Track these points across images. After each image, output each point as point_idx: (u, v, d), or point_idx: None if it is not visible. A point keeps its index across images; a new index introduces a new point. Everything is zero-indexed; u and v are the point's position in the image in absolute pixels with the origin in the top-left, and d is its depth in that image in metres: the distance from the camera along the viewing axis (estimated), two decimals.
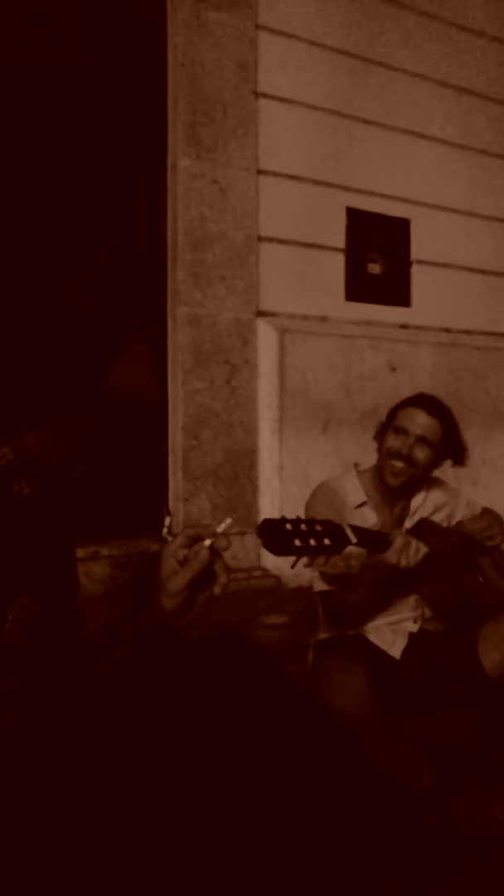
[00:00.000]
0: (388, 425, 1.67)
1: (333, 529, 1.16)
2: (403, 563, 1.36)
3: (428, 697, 1.50)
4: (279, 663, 0.80)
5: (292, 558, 1.13)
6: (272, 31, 2.65)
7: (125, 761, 0.70)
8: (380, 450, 1.68)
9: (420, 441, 1.60)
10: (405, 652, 1.56)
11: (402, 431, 1.61)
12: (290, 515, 1.13)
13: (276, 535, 1.06)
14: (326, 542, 1.12)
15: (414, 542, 1.37)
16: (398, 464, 1.60)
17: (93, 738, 0.72)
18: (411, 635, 1.59)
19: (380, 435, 1.70)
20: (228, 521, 0.81)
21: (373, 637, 1.59)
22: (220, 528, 0.80)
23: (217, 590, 0.80)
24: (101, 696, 0.76)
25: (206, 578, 0.79)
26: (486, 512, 1.74)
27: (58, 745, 0.70)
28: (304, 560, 1.15)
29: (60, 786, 0.67)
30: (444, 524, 1.71)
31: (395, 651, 1.56)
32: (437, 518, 1.70)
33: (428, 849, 0.82)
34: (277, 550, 1.06)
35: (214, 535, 0.79)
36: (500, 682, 1.46)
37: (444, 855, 0.93)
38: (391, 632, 1.59)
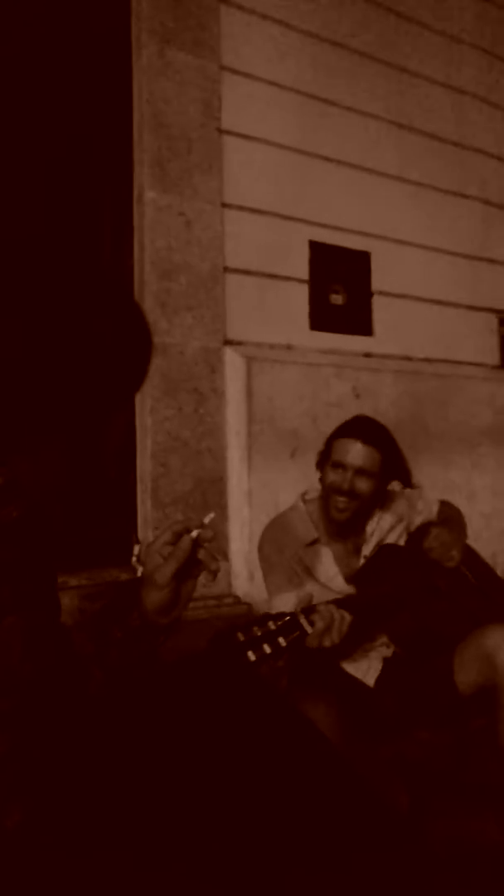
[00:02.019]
0: (327, 457, 1.63)
1: (288, 624, 1.10)
2: (328, 643, 1.26)
3: (402, 720, 1.51)
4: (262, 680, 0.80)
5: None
6: (235, 71, 2.74)
7: (118, 779, 0.69)
8: (321, 482, 1.65)
9: (359, 473, 1.56)
10: (380, 678, 1.56)
11: (339, 465, 1.57)
12: (241, 621, 1.07)
13: (226, 653, 1.02)
14: (281, 641, 1.07)
15: (337, 618, 1.26)
16: (341, 499, 1.57)
17: (86, 754, 0.71)
18: (385, 661, 1.60)
19: (320, 467, 1.67)
20: (211, 514, 0.84)
21: (347, 666, 1.58)
22: (206, 520, 0.83)
23: (209, 577, 0.82)
24: (95, 712, 0.75)
25: (190, 569, 0.82)
26: (442, 522, 1.73)
27: (50, 765, 0.69)
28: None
29: (53, 807, 0.66)
30: (403, 538, 1.71)
31: (370, 678, 1.56)
32: (394, 535, 1.70)
33: (406, 870, 0.83)
34: (230, 669, 0.97)
35: (200, 525, 0.82)
36: (472, 700, 1.48)
37: (422, 877, 0.94)
38: (365, 659, 1.59)
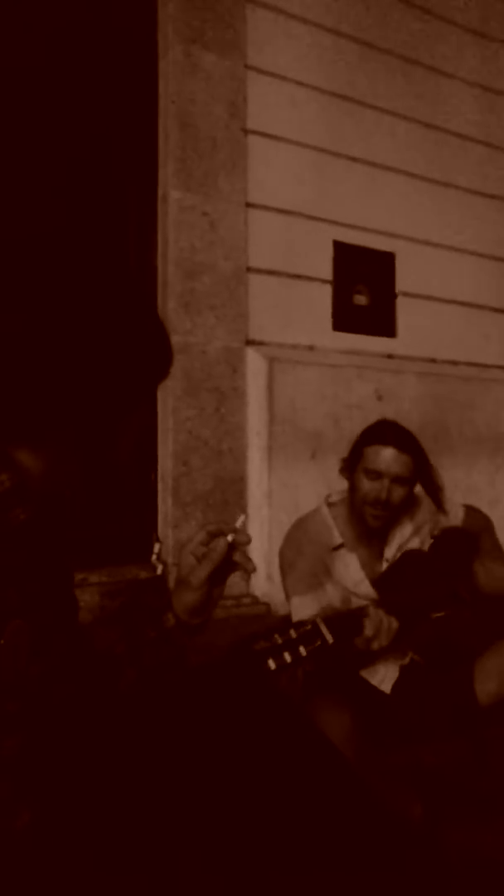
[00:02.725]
0: (357, 463, 1.60)
1: (309, 633, 1.10)
2: (376, 646, 1.32)
3: (419, 728, 1.50)
4: (277, 688, 0.81)
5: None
6: (260, 71, 2.73)
7: (128, 781, 0.70)
8: (351, 488, 1.62)
9: (395, 481, 1.55)
10: (396, 685, 1.55)
11: (375, 474, 1.55)
12: (262, 630, 1.06)
13: (247, 661, 1.01)
14: (302, 651, 1.06)
15: (385, 623, 1.32)
16: (377, 509, 1.56)
17: (98, 755, 0.71)
18: (402, 668, 1.58)
19: (348, 472, 1.63)
20: (243, 517, 0.85)
21: (365, 672, 1.57)
22: (239, 524, 0.84)
23: (245, 578, 0.83)
24: (123, 710, 0.76)
25: (223, 573, 0.83)
26: (481, 529, 1.71)
27: (59, 767, 0.69)
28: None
29: (62, 808, 0.67)
30: (427, 542, 1.69)
31: (386, 686, 1.55)
32: (417, 540, 1.68)
33: (420, 881, 0.82)
34: (251, 679, 0.96)
35: (235, 530, 0.83)
36: (491, 711, 1.46)
37: (436, 889, 0.93)
38: (383, 666, 1.58)
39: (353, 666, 1.50)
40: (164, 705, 0.82)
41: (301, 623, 1.12)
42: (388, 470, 1.55)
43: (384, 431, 1.61)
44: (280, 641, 1.06)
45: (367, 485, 1.56)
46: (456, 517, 1.75)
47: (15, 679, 0.67)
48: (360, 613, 1.33)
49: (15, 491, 0.70)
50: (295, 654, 1.06)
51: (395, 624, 1.34)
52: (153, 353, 0.78)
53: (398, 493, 1.56)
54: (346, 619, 1.30)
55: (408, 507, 1.67)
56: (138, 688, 0.85)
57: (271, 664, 1.02)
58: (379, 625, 1.31)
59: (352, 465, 1.62)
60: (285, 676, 1.07)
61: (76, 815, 0.67)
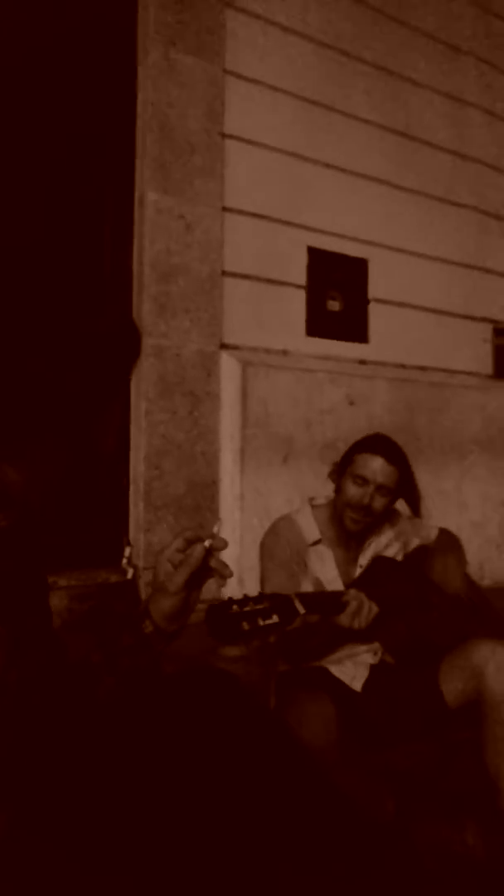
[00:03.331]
0: (345, 468, 1.66)
1: (281, 602, 1.14)
2: (357, 625, 1.39)
3: (389, 729, 1.53)
4: (251, 695, 0.82)
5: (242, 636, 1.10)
6: (239, 76, 2.74)
7: (107, 785, 0.70)
8: (337, 491, 1.68)
9: (379, 490, 1.62)
10: (366, 684, 1.58)
11: (361, 480, 1.62)
12: (238, 595, 1.09)
13: (222, 622, 1.03)
14: (275, 618, 1.09)
15: (367, 605, 1.40)
16: (358, 514, 1.62)
17: (76, 760, 0.72)
18: (372, 668, 1.62)
19: (336, 476, 1.69)
20: (219, 523, 0.87)
21: (334, 670, 1.60)
22: (215, 530, 0.86)
23: (221, 583, 0.85)
24: (101, 717, 0.77)
25: (199, 579, 0.84)
26: (445, 550, 1.78)
27: (37, 772, 0.69)
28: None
29: (39, 814, 0.67)
30: (400, 554, 1.75)
31: (357, 684, 1.58)
32: (391, 550, 1.73)
33: (391, 878, 0.84)
34: (225, 639, 1.03)
35: (212, 536, 0.85)
36: (459, 712, 1.50)
37: (407, 885, 0.95)
38: (352, 664, 1.61)
39: (323, 647, 1.53)
40: (141, 712, 0.83)
41: (276, 594, 1.16)
42: (373, 478, 1.61)
43: (376, 442, 1.67)
44: (255, 607, 1.09)
45: (352, 489, 1.62)
46: (429, 538, 1.81)
47: None
48: (338, 594, 1.40)
49: None
50: (268, 619, 1.08)
51: (375, 607, 1.40)
52: (121, 342, 0.79)
53: (380, 501, 1.62)
54: (321, 598, 1.37)
55: (387, 518, 1.72)
56: (116, 695, 0.86)
57: (245, 626, 1.05)
58: (361, 604, 1.38)
59: (341, 469, 1.68)
60: (258, 640, 1.10)
61: (52, 819, 0.67)
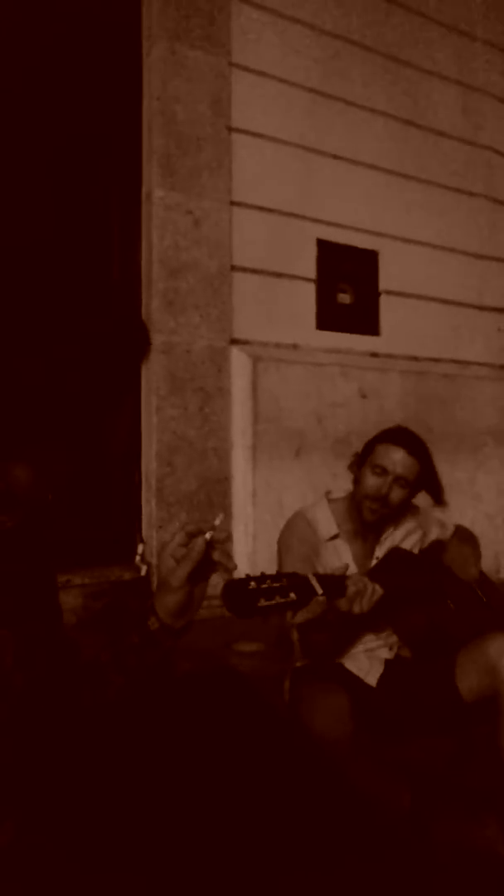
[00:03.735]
0: (366, 459, 1.65)
1: (299, 582, 1.14)
2: (357, 609, 1.34)
3: (405, 723, 1.52)
4: (263, 696, 0.81)
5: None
6: (245, 69, 2.72)
7: (113, 790, 0.70)
8: (356, 482, 1.67)
9: (397, 481, 1.60)
10: (381, 679, 1.57)
11: (380, 470, 1.60)
12: (255, 572, 1.10)
13: (239, 597, 1.04)
14: (292, 596, 1.10)
15: (370, 587, 1.35)
16: (375, 504, 1.61)
17: (83, 764, 0.71)
18: (387, 662, 1.61)
19: (356, 467, 1.68)
20: (221, 515, 0.86)
21: (349, 664, 1.60)
22: (217, 522, 0.85)
23: (226, 576, 0.84)
24: (110, 717, 0.76)
25: (203, 573, 0.83)
26: (462, 539, 1.77)
27: (44, 778, 0.69)
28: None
29: (46, 822, 0.67)
30: (417, 548, 1.74)
31: (371, 678, 1.58)
32: (408, 543, 1.72)
33: (407, 873, 0.83)
34: (242, 613, 1.04)
35: (213, 528, 0.83)
36: (475, 706, 1.48)
37: (424, 880, 0.94)
38: (367, 659, 1.61)
39: (337, 636, 1.52)
40: (152, 711, 0.82)
41: (293, 574, 1.15)
42: (393, 468, 1.60)
43: (399, 434, 1.66)
44: (271, 585, 1.09)
45: (370, 479, 1.61)
46: (445, 533, 1.80)
47: None
48: (345, 577, 1.37)
49: (1, 498, 0.70)
50: (286, 597, 1.09)
51: (379, 591, 1.36)
52: (130, 339, 0.78)
53: (398, 493, 1.61)
54: (334, 579, 1.34)
55: (404, 512, 1.71)
56: (126, 694, 0.85)
57: (263, 602, 1.05)
58: (362, 588, 1.34)
59: (361, 459, 1.67)
60: (274, 615, 1.10)
61: (59, 824, 0.67)
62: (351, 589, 1.33)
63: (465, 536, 1.81)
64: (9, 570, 0.72)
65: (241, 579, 1.06)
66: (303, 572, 1.53)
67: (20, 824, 0.65)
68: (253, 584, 1.06)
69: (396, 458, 1.60)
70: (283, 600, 1.08)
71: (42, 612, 0.80)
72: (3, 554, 0.71)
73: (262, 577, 1.09)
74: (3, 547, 0.71)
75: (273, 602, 1.07)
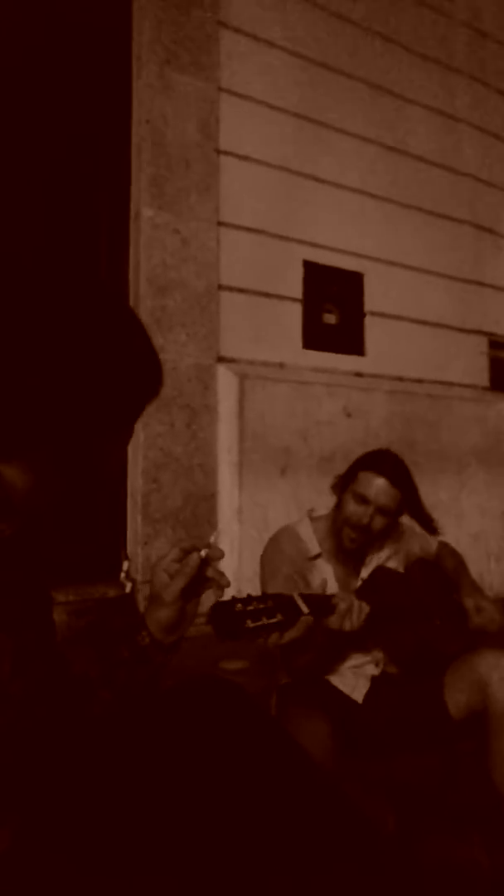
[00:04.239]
0: (348, 485, 1.64)
1: (285, 602, 1.14)
2: (347, 626, 1.34)
3: (391, 740, 1.51)
4: (258, 705, 0.81)
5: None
6: (233, 93, 2.78)
7: (109, 801, 0.69)
8: (338, 505, 1.66)
9: (379, 511, 1.59)
10: (368, 696, 1.57)
11: (362, 499, 1.59)
12: (240, 589, 1.11)
13: (226, 619, 1.04)
14: (279, 617, 1.10)
15: (357, 605, 1.36)
16: (355, 532, 1.59)
17: (78, 775, 0.70)
18: (373, 678, 1.60)
19: (338, 489, 1.67)
20: (216, 533, 0.87)
21: (336, 681, 1.59)
22: (212, 540, 0.85)
23: (219, 593, 0.84)
24: (97, 733, 0.75)
25: (196, 590, 0.83)
26: (452, 568, 1.76)
27: (40, 788, 0.68)
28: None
29: (43, 831, 0.65)
30: (401, 566, 1.74)
31: (358, 695, 1.57)
32: (392, 562, 1.72)
33: (393, 892, 0.83)
34: (229, 636, 1.03)
35: (208, 545, 0.84)
36: (462, 723, 1.48)
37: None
38: (353, 675, 1.60)
39: (323, 654, 1.51)
40: (141, 724, 0.82)
41: (279, 594, 1.15)
42: (375, 499, 1.58)
43: (382, 461, 1.64)
44: (258, 606, 1.08)
45: (352, 507, 1.59)
46: (429, 551, 1.80)
47: None
48: (332, 596, 1.37)
49: None
50: (272, 618, 1.09)
51: (366, 608, 1.36)
52: (139, 371, 0.77)
53: (380, 521, 1.59)
54: (320, 599, 1.33)
55: (388, 533, 1.70)
56: (113, 709, 0.84)
57: (249, 623, 1.05)
58: (350, 605, 1.34)
59: (344, 484, 1.65)
60: (262, 638, 1.10)
61: (57, 834, 0.66)
62: (341, 606, 1.33)
63: (450, 555, 1.82)
64: (6, 579, 0.72)
65: (227, 601, 1.05)
66: (288, 592, 1.52)
67: (17, 832, 0.64)
68: (239, 605, 1.06)
69: (379, 489, 1.58)
70: (269, 621, 1.08)
71: (38, 622, 0.79)
72: (1, 561, 0.71)
73: (249, 599, 1.09)
74: (1, 555, 0.71)
75: (259, 623, 1.07)
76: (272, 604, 1.11)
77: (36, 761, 0.69)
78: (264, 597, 1.12)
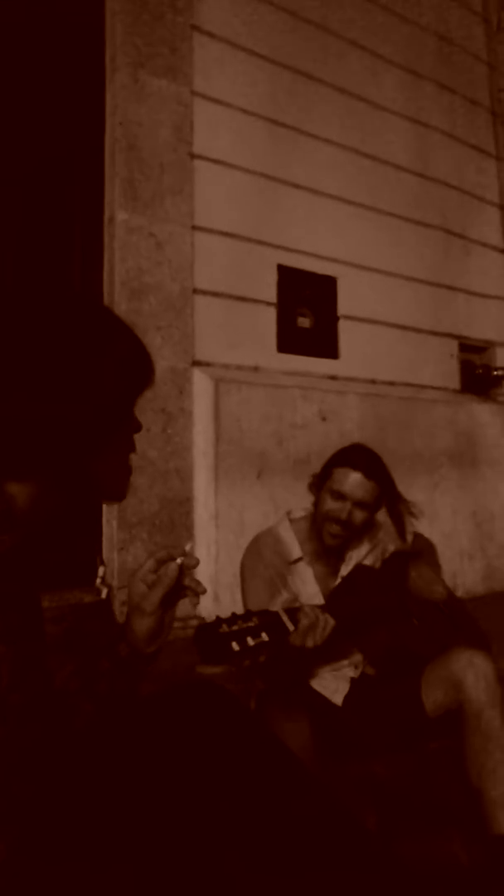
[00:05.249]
0: (324, 482, 1.64)
1: (270, 620, 1.12)
2: (310, 643, 1.29)
3: (370, 740, 1.52)
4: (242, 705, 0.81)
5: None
6: (207, 97, 2.79)
7: (101, 810, 0.69)
8: (316, 504, 1.66)
9: (357, 505, 1.59)
10: (347, 698, 1.58)
11: (339, 496, 1.59)
12: (225, 614, 1.06)
13: (211, 643, 1.02)
14: (264, 636, 1.08)
15: (321, 620, 1.30)
16: (336, 527, 1.60)
17: (70, 786, 0.70)
18: (353, 681, 1.61)
19: (315, 488, 1.67)
20: (191, 544, 0.88)
21: (315, 685, 1.59)
22: (188, 548, 0.86)
23: (195, 601, 0.85)
24: (81, 745, 0.75)
25: (173, 598, 0.84)
26: (422, 554, 1.78)
27: (36, 799, 0.68)
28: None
29: (38, 842, 0.65)
30: (378, 562, 1.75)
31: (338, 698, 1.58)
32: (370, 558, 1.74)
33: (375, 889, 0.84)
34: (214, 660, 1.01)
35: (184, 554, 0.85)
36: (438, 722, 1.50)
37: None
38: (333, 679, 1.61)
39: (305, 670, 1.51)
40: (129, 730, 0.82)
41: (264, 612, 1.14)
42: (351, 493, 1.59)
43: (355, 456, 1.64)
44: (243, 626, 1.07)
45: (329, 504, 1.60)
46: (405, 543, 1.81)
47: None
48: (297, 609, 1.32)
49: (1, 518, 0.70)
50: (257, 638, 1.07)
51: (331, 622, 1.32)
52: (129, 370, 0.78)
53: (359, 516, 1.60)
54: (299, 612, 1.30)
55: (367, 529, 1.71)
56: (94, 722, 0.84)
57: (234, 646, 1.03)
58: (314, 620, 1.29)
59: (320, 482, 1.66)
60: (248, 661, 1.08)
61: (52, 847, 0.65)
62: (303, 622, 1.27)
63: (423, 549, 1.83)
64: (4, 590, 0.71)
65: (211, 623, 1.04)
66: (268, 599, 1.51)
67: (13, 843, 0.63)
68: (224, 626, 1.04)
69: (355, 483, 1.59)
70: (255, 641, 1.06)
71: (33, 633, 0.79)
72: (2, 572, 0.71)
73: (233, 618, 1.07)
74: (1, 566, 0.70)
75: (245, 646, 1.04)
76: (257, 622, 1.09)
77: (32, 772, 0.69)
78: (248, 615, 1.10)
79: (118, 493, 0.84)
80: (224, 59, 2.85)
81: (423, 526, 3.22)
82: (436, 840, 1.36)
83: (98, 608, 2.41)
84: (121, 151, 2.54)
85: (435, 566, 1.76)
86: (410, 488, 3.27)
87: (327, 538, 1.61)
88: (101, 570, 2.47)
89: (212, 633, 1.03)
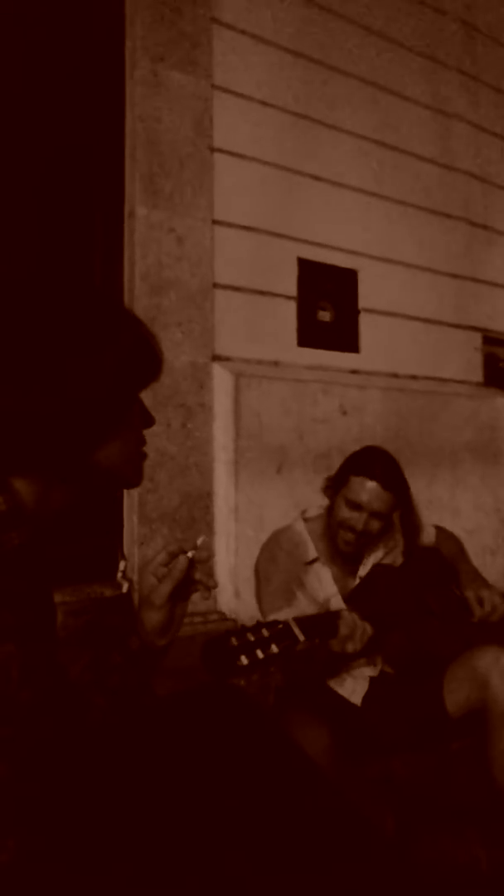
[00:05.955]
0: (340, 488, 1.61)
1: (280, 631, 1.12)
2: (350, 649, 1.32)
3: (389, 740, 1.51)
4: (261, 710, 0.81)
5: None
6: (226, 90, 2.76)
7: (112, 808, 0.69)
8: (330, 508, 1.64)
9: (373, 515, 1.58)
10: (366, 697, 1.57)
11: (355, 506, 1.57)
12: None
13: (219, 657, 1.00)
14: (274, 648, 1.07)
15: (360, 627, 1.33)
16: (350, 536, 1.58)
17: (82, 784, 0.71)
18: (372, 680, 1.60)
19: (330, 491, 1.65)
20: (203, 537, 0.88)
21: (334, 685, 1.59)
22: (199, 542, 0.86)
23: (206, 595, 0.85)
24: (95, 741, 0.75)
25: (185, 592, 0.84)
26: (450, 556, 1.76)
27: (46, 797, 0.68)
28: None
29: (47, 840, 0.66)
30: (399, 561, 1.73)
31: (356, 698, 1.57)
32: (390, 557, 1.72)
33: (392, 892, 0.83)
34: (222, 675, 1.00)
35: (195, 547, 0.85)
36: (460, 721, 1.49)
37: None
38: (351, 678, 1.60)
39: (323, 669, 1.51)
40: (144, 731, 0.82)
41: (274, 622, 1.14)
42: (368, 504, 1.57)
43: (373, 464, 1.61)
44: (252, 639, 1.06)
45: (345, 512, 1.58)
46: (428, 537, 1.79)
47: (5, 704, 0.66)
48: (334, 616, 1.34)
49: (10, 515, 0.70)
50: (267, 651, 1.06)
51: (369, 629, 1.34)
52: (136, 363, 0.79)
53: (374, 525, 1.58)
54: (318, 621, 1.30)
55: (383, 533, 1.69)
56: (108, 715, 0.84)
57: (244, 660, 1.02)
58: (353, 626, 1.31)
59: (335, 486, 1.63)
60: (258, 673, 1.08)
61: (61, 847, 0.66)
62: (343, 631, 1.30)
63: (450, 538, 1.81)
64: (14, 588, 0.72)
65: (220, 637, 1.03)
66: (283, 602, 1.51)
67: (22, 843, 0.64)
68: (234, 639, 1.03)
69: (372, 494, 1.56)
70: (265, 654, 1.05)
71: (43, 630, 0.80)
72: (12, 569, 0.71)
73: (242, 631, 1.06)
74: (11, 563, 0.71)
75: (254, 659, 1.03)
76: (267, 634, 1.08)
77: (42, 770, 0.69)
78: (258, 626, 1.10)
79: (131, 480, 0.83)
80: (244, 52, 2.83)
81: (445, 522, 3.19)
82: (455, 842, 1.35)
83: (119, 602, 2.43)
84: (140, 146, 2.53)
85: (472, 566, 1.72)
86: (432, 484, 3.26)
87: (342, 545, 1.60)
88: (121, 565, 2.49)
89: (220, 648, 1.02)
